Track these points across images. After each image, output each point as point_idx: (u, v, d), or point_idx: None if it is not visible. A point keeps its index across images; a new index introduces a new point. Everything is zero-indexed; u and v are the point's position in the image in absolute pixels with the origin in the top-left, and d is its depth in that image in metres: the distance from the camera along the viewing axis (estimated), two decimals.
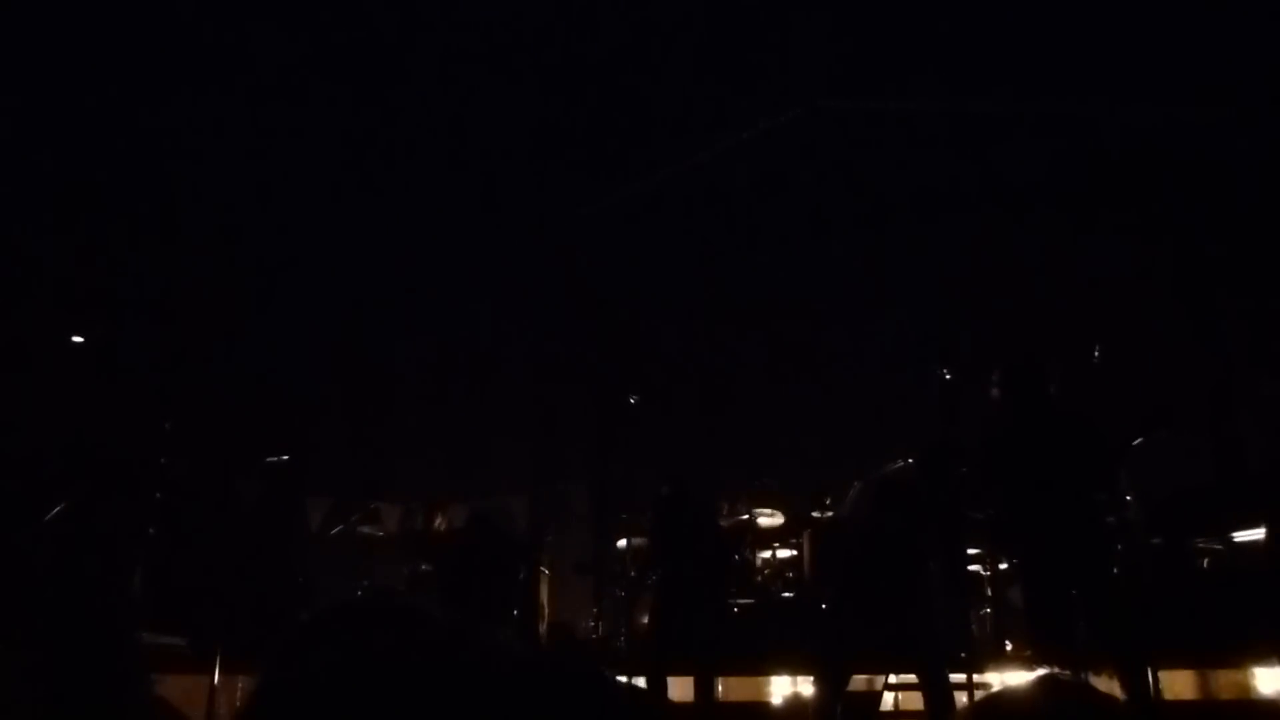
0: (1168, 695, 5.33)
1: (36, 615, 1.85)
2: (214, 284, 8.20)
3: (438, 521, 7.96)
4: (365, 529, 7.88)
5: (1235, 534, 6.21)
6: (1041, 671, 4.52)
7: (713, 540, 6.29)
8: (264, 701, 1.14)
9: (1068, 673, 4.54)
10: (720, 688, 6.05)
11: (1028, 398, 5.30)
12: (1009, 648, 6.24)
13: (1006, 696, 1.59)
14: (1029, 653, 5.47)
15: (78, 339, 6.74)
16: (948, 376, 6.84)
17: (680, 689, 6.03)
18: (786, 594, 7.39)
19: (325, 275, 9.01)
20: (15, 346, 6.90)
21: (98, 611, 1.88)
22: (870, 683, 5.97)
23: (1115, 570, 5.31)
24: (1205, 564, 6.37)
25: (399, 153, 8.32)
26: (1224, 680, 5.69)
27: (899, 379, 7.74)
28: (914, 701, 5.73)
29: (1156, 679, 5.22)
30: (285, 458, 7.64)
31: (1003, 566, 6.38)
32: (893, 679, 5.82)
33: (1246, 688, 5.58)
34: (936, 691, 5.02)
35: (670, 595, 6.07)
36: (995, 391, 5.43)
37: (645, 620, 6.78)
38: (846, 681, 5.33)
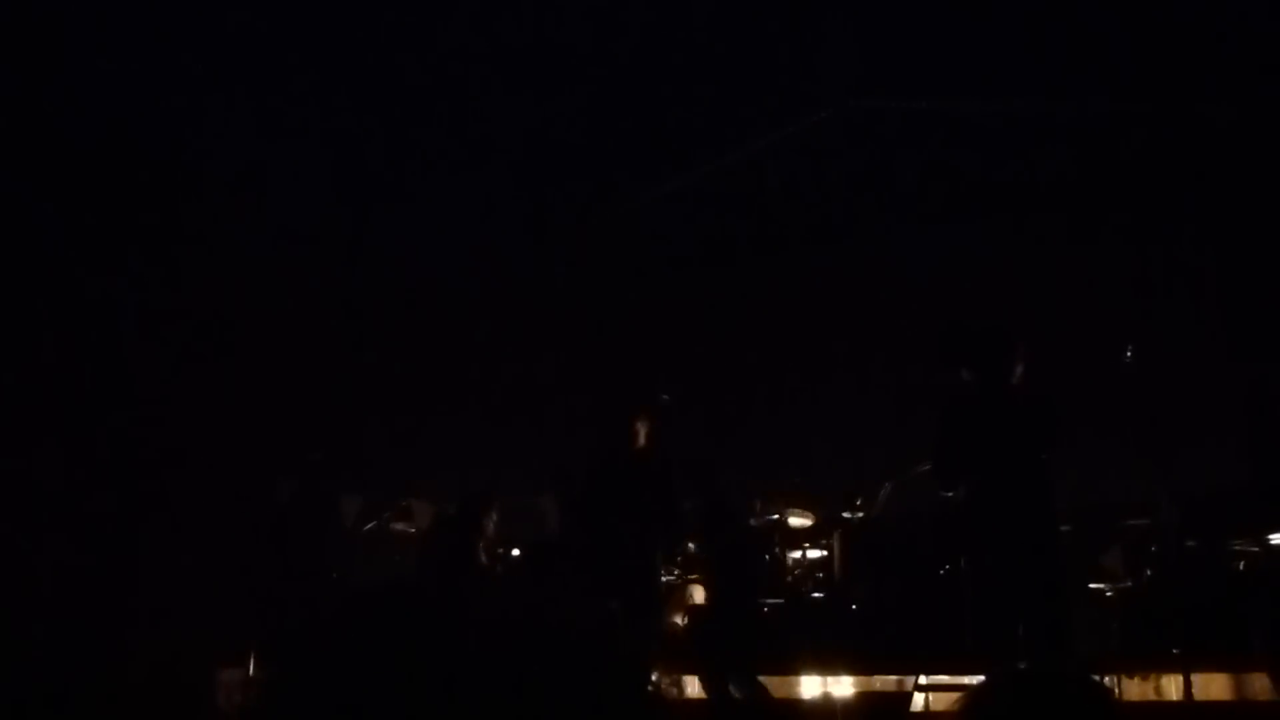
0: (1201, 698, 5.27)
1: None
2: (247, 283, 8.29)
3: None
4: (397, 526, 7.95)
5: (1271, 536, 6.13)
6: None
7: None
8: (273, 690, 1.15)
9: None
10: None
11: (993, 377, 5.09)
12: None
13: (991, 689, 1.58)
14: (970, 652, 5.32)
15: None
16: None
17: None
18: (817, 594, 7.38)
19: (356, 275, 9.10)
20: (49, 352, 7.03)
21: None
22: (900, 683, 5.94)
23: (1060, 574, 5.09)
24: (1241, 566, 6.29)
25: (428, 153, 8.40)
26: (1260, 684, 5.62)
27: (929, 377, 7.69)
28: (944, 702, 5.69)
29: (1189, 681, 5.17)
30: (320, 454, 7.73)
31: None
32: (923, 680, 5.79)
33: None
34: None
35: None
36: (965, 373, 5.22)
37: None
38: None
